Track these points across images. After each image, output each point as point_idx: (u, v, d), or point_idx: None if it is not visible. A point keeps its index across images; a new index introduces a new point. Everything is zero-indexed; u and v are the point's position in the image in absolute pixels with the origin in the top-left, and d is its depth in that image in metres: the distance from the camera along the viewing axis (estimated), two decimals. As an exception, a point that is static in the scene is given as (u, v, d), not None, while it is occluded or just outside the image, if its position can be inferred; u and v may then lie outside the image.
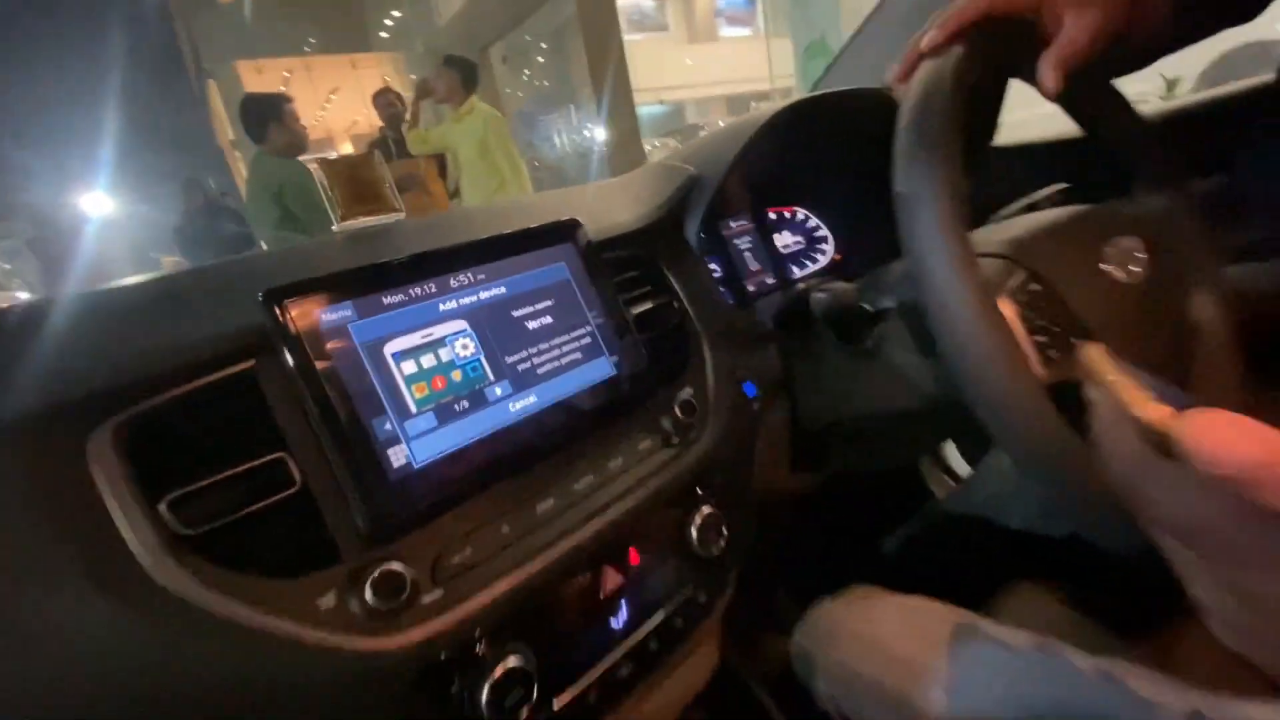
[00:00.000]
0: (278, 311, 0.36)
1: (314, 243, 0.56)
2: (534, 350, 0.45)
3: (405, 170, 3.28)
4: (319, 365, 0.36)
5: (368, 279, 0.39)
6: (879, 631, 0.49)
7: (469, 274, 0.43)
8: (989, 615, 0.63)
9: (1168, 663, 0.54)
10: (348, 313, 0.38)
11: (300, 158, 2.69)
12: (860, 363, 0.57)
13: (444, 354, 0.41)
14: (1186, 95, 1.01)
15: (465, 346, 0.42)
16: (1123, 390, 0.23)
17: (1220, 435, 0.21)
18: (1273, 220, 0.97)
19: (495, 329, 0.44)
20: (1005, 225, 0.50)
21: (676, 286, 0.58)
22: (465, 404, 0.41)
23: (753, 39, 14.13)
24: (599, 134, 7.12)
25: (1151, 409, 0.23)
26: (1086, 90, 0.53)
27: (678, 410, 0.50)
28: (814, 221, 0.86)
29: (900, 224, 0.41)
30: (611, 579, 0.43)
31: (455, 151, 3.27)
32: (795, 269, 0.82)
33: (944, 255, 0.38)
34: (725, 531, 0.49)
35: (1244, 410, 0.21)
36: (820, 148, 0.77)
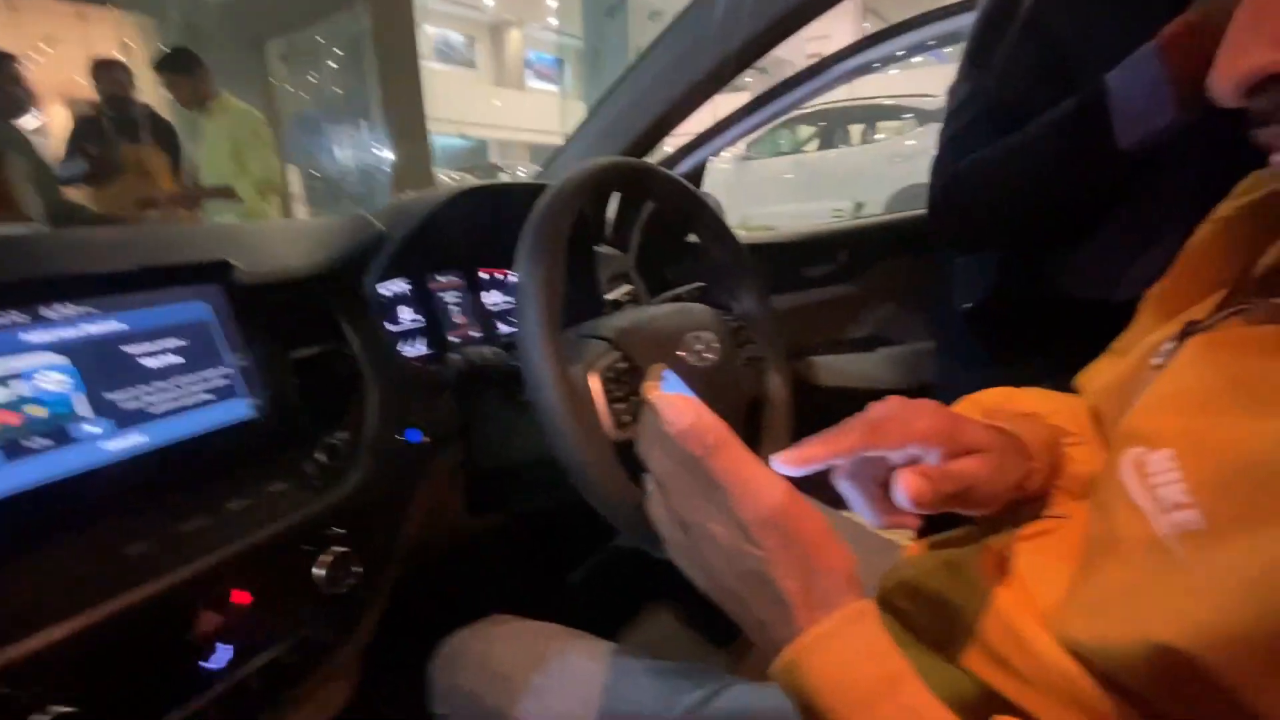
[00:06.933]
0: None
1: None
2: (150, 389, 0.45)
3: (131, 156, 2.82)
4: None
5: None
6: (491, 653, 0.55)
7: (73, 306, 0.42)
8: (624, 635, 0.74)
9: (744, 662, 0.69)
10: (-113, 337, 0.35)
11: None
12: (521, 414, 0.66)
13: (23, 387, 0.39)
14: (833, 221, 1.35)
15: (55, 381, 0.41)
16: (648, 389, 0.34)
17: (672, 406, 0.32)
18: (878, 323, 1.32)
19: (101, 365, 0.43)
20: (619, 315, 0.63)
21: (349, 334, 0.61)
22: (46, 441, 0.40)
23: (557, 95, 14.84)
24: (388, 154, 6.79)
25: (655, 394, 0.34)
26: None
27: (323, 454, 0.53)
28: (524, 284, 0.95)
29: (516, 307, 0.50)
30: (209, 620, 0.44)
31: (210, 151, 2.92)
32: (503, 326, 0.90)
33: (536, 338, 0.47)
34: (359, 571, 0.52)
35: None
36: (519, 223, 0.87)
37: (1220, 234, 0.40)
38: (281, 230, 0.66)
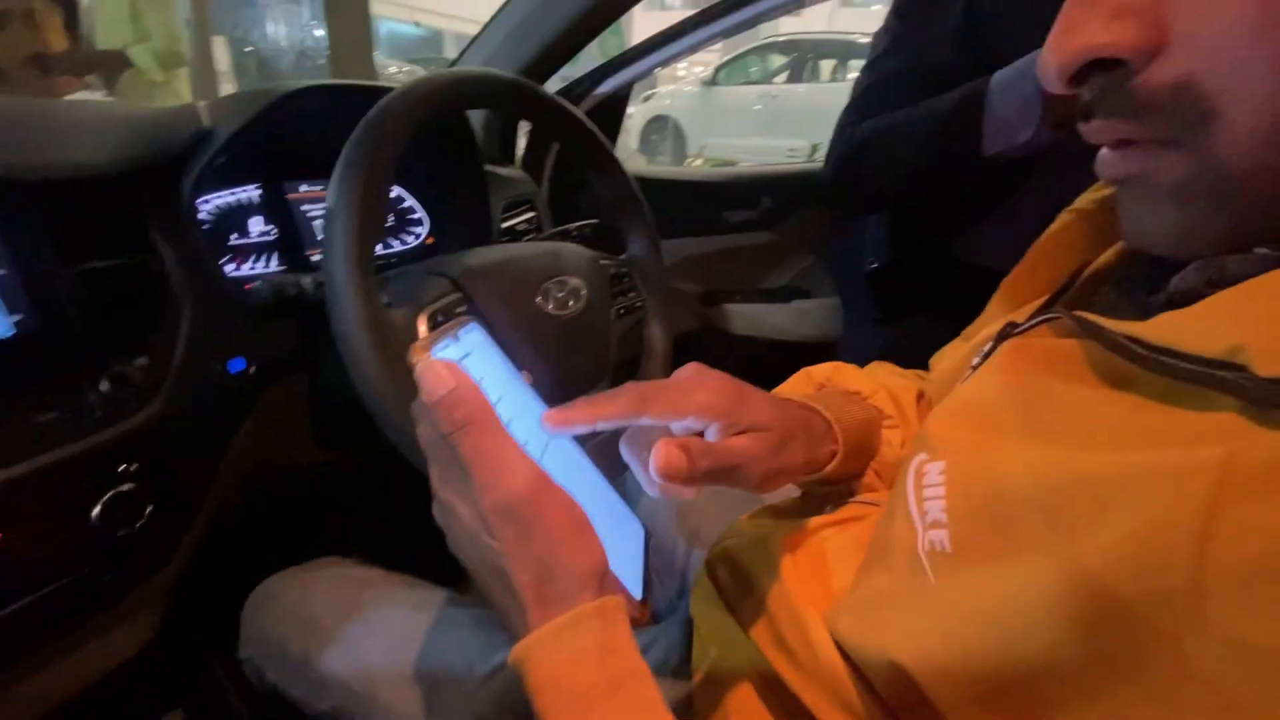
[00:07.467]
0: None
1: None
2: None
3: (18, 3, 2.44)
4: None
5: None
6: (306, 598, 0.53)
7: None
8: (469, 584, 0.72)
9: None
10: None
11: None
12: None
13: None
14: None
15: None
16: (415, 350, 0.30)
17: (431, 372, 0.29)
18: (797, 274, 1.29)
19: None
20: (474, 252, 0.58)
21: (160, 245, 0.54)
22: None
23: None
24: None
25: (420, 356, 0.30)
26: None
27: (109, 382, 0.47)
28: (409, 202, 0.87)
29: (324, 234, 0.44)
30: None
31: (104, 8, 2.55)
32: (380, 246, 0.83)
33: (340, 271, 0.42)
34: (149, 509, 0.48)
35: None
36: None
37: (1069, 227, 0.38)
38: (83, 114, 0.56)
